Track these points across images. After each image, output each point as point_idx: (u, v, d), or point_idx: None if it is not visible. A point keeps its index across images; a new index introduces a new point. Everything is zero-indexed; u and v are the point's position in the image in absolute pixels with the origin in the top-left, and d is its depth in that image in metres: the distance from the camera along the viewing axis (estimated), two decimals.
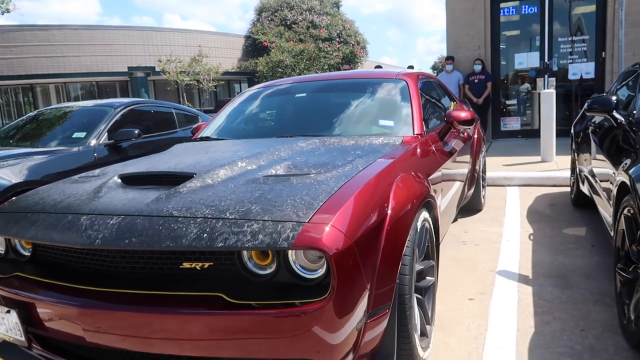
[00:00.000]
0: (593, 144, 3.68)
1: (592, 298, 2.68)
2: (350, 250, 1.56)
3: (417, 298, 2.13)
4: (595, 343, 2.22)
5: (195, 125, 4.18)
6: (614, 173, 2.68)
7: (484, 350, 2.22)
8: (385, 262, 1.75)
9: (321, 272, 1.59)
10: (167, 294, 1.65)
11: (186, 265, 1.68)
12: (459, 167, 3.55)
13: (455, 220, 4.33)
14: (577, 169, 4.48)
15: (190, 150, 2.79)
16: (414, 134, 2.83)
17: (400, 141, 2.64)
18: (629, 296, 2.24)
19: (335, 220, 1.59)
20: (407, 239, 1.92)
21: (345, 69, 13.74)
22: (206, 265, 1.67)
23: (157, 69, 19.92)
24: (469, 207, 4.55)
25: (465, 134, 3.96)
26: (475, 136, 4.45)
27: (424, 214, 2.22)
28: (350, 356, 1.65)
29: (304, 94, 3.45)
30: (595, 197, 3.58)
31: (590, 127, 3.94)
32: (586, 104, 3.31)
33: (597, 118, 3.82)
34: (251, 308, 1.54)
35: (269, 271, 1.64)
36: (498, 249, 3.59)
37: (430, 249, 2.36)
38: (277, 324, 1.53)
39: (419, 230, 2.09)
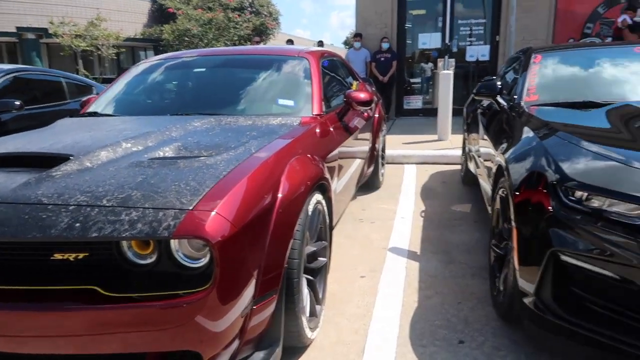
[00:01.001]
0: (480, 125, 3.95)
1: (471, 272, 2.91)
2: (235, 238, 1.54)
3: (307, 279, 2.17)
4: (470, 314, 2.42)
5: (85, 98, 3.88)
6: (494, 155, 2.90)
7: (369, 327, 2.33)
8: (274, 247, 1.76)
9: (205, 260, 1.55)
10: (37, 289, 1.53)
11: (58, 256, 1.57)
12: (358, 146, 3.64)
13: (354, 198, 4.46)
14: (467, 148, 4.79)
15: (73, 127, 2.58)
16: (312, 114, 2.83)
17: (299, 122, 2.63)
18: (499, 270, 2.46)
19: (221, 207, 1.55)
20: (298, 222, 1.94)
21: (256, 42, 13.43)
22: (80, 256, 1.56)
23: (49, 32, 18.13)
24: (368, 185, 4.70)
25: (366, 114, 4.05)
26: (376, 116, 4.58)
27: (317, 197, 2.25)
28: (236, 342, 1.65)
29: (202, 69, 3.31)
30: (479, 175, 3.86)
31: (479, 109, 4.22)
32: (475, 88, 3.54)
33: (485, 101, 4.09)
34: (131, 300, 1.48)
35: (149, 261, 1.58)
36: (392, 226, 3.76)
37: (324, 230, 2.40)
38: (159, 315, 1.48)
39: (310, 213, 2.12)
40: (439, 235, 3.52)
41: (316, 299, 2.25)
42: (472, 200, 4.39)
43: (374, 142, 4.36)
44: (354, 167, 3.50)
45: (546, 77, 3.26)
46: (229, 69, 3.26)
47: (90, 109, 3.15)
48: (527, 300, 1.96)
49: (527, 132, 2.56)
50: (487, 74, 9.04)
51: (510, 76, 4.39)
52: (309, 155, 2.31)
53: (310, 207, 2.13)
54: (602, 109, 2.76)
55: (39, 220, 1.50)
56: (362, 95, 3.16)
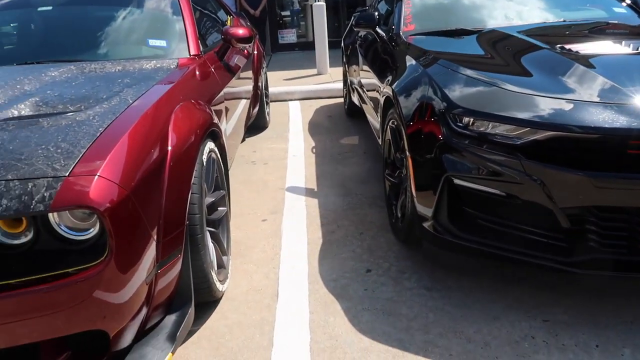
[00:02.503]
0: (360, 57, 3.96)
1: (367, 202, 3.00)
2: (126, 202, 1.37)
3: (210, 232, 2.06)
4: (372, 243, 2.50)
5: None
6: (379, 87, 2.92)
7: (279, 269, 2.31)
8: (171, 205, 1.61)
9: (94, 231, 1.36)
10: None
11: None
12: (242, 86, 3.46)
13: (243, 140, 4.31)
14: (349, 80, 4.82)
15: None
16: (190, 55, 2.58)
17: (176, 64, 2.38)
18: (395, 198, 2.55)
19: (104, 169, 1.35)
20: (193, 175, 1.79)
21: None
22: None
23: None
24: (255, 125, 4.57)
25: (245, 51, 3.83)
26: (255, 52, 4.38)
27: (209, 145, 2.09)
28: (144, 311, 1.52)
29: (49, 7, 2.83)
30: (364, 107, 3.92)
31: (358, 41, 4.21)
32: (353, 19, 3.49)
33: (363, 32, 4.08)
34: (9, 288, 1.26)
35: (25, 240, 1.35)
36: (285, 165, 3.72)
37: (220, 179, 2.27)
38: (48, 299, 1.29)
39: (205, 163, 1.97)
40: (333, 170, 3.56)
41: (222, 250, 2.15)
42: (359, 132, 4.49)
43: (256, 80, 4.19)
44: (241, 109, 3.33)
45: (420, 6, 3.31)
46: (84, 5, 2.82)
47: None
48: (426, 224, 2.06)
49: (410, 62, 2.60)
50: (357, 5, 9.08)
51: (382, 6, 4.41)
52: (194, 101, 2.12)
53: (205, 157, 1.97)
54: (472, 36, 2.88)
55: None
56: (241, 32, 2.95)
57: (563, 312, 1.89)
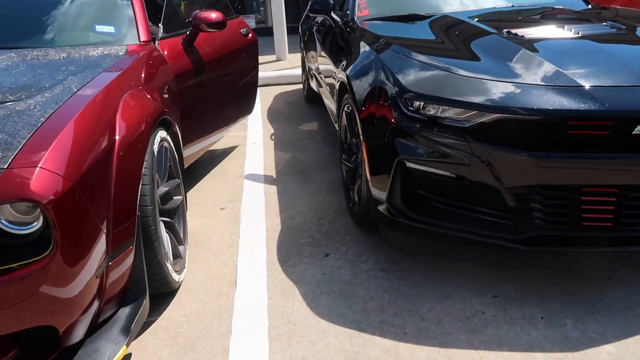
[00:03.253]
0: (317, 43, 3.95)
1: (326, 187, 3.02)
2: (71, 194, 1.33)
3: (165, 222, 2.03)
4: (330, 228, 2.53)
5: None
6: (335, 72, 2.93)
7: (237, 257, 2.31)
8: (121, 196, 1.58)
9: (38, 224, 1.33)
10: None
11: None
12: (217, 74, 3.29)
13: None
14: (307, 67, 4.81)
15: None
16: (140, 41, 2.51)
17: (125, 51, 2.32)
18: (352, 182, 2.58)
19: (46, 160, 1.31)
20: (144, 165, 1.76)
21: None
22: None
23: None
24: None
25: (243, 37, 3.60)
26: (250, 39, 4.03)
27: (161, 133, 2.05)
28: (95, 304, 1.49)
29: None
30: (322, 93, 3.92)
31: (315, 27, 4.20)
32: (309, 5, 3.48)
33: (319, 18, 4.07)
34: None
35: None
36: (244, 153, 3.69)
37: (174, 167, 2.24)
38: None
39: (156, 152, 1.93)
40: (292, 156, 3.56)
41: (177, 240, 2.13)
42: (318, 118, 4.49)
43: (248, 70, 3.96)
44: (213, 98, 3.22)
45: None
46: None
47: None
48: (381, 208, 2.09)
49: (364, 47, 2.61)
50: None
51: None
52: (144, 89, 2.07)
53: (156, 146, 1.94)
54: (425, 21, 2.92)
55: None
56: (214, 16, 2.76)
57: (511, 288, 1.97)
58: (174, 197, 2.19)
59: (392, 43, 2.45)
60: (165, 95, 2.32)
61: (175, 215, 2.17)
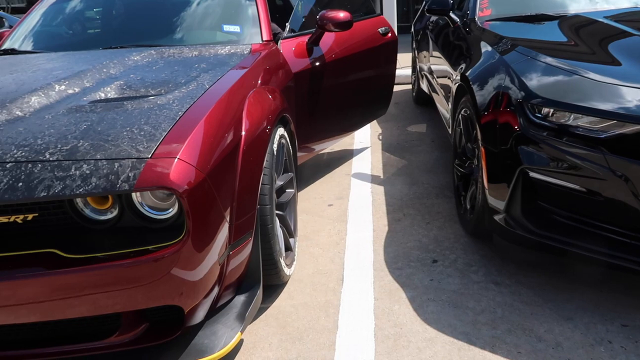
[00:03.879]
0: (432, 43, 3.85)
1: (435, 191, 2.95)
2: (203, 185, 1.42)
3: (278, 215, 2.10)
4: (439, 233, 2.46)
5: None
6: (452, 74, 2.84)
7: (344, 254, 2.33)
8: (244, 189, 1.66)
9: (173, 211, 1.43)
10: None
11: (2, 219, 1.39)
12: (341, 76, 3.17)
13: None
14: (418, 67, 4.72)
15: None
16: (262, 40, 2.62)
17: (249, 50, 2.43)
18: (464, 189, 2.49)
19: (184, 152, 1.41)
20: (265, 159, 1.83)
21: None
22: (29, 217, 1.40)
23: None
24: None
25: (380, 38, 3.46)
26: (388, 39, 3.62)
27: (280, 130, 2.13)
28: (216, 290, 1.58)
29: None
30: (433, 95, 3.82)
31: (430, 26, 4.10)
32: (424, 4, 3.39)
33: (434, 17, 3.97)
34: (96, 261, 1.36)
35: (110, 216, 1.44)
36: (352, 152, 3.72)
37: (289, 162, 2.31)
38: (130, 273, 1.37)
39: (276, 149, 2.01)
40: (400, 158, 3.52)
41: (289, 232, 2.20)
42: (427, 120, 4.40)
43: (381, 72, 3.71)
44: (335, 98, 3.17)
45: None
46: None
47: (5, 46, 2.77)
48: (497, 217, 1.99)
49: (486, 48, 2.49)
50: None
51: None
52: (266, 87, 2.15)
53: (275, 143, 2.01)
54: (554, 21, 2.72)
55: None
56: (342, 15, 2.68)
57: None
58: (286, 190, 2.26)
59: (517, 44, 2.32)
60: (284, 94, 2.40)
61: (287, 208, 2.25)
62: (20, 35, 2.83)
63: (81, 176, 1.32)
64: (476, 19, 2.95)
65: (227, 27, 2.68)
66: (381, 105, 3.62)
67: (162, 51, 2.36)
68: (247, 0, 2.83)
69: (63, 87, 1.81)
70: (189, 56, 2.29)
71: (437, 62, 3.59)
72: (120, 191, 1.31)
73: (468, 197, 2.39)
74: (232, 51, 2.39)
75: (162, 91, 1.80)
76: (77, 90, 1.82)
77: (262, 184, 1.80)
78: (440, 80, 3.41)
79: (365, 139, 3.98)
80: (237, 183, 1.63)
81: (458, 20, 3.16)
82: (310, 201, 2.93)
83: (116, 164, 1.35)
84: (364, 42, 3.26)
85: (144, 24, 2.76)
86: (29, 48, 2.69)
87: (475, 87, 2.26)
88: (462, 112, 2.48)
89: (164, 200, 1.44)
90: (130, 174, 1.33)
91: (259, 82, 2.14)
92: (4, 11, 14.72)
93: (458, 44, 2.94)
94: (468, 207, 2.39)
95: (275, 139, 2.01)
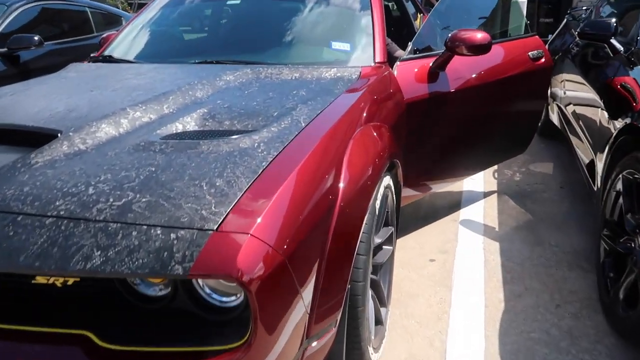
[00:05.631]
0: (575, 70, 3.21)
1: (566, 259, 2.37)
2: (280, 270, 1.06)
3: (371, 280, 1.70)
4: (574, 325, 1.91)
5: (105, 34, 3.37)
6: (609, 114, 2.24)
7: (447, 336, 1.87)
8: (333, 266, 1.28)
9: (240, 298, 1.09)
10: (12, 329, 1.12)
11: (40, 280, 1.14)
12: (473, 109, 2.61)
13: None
14: (549, 92, 4.05)
15: (75, 81, 2.08)
16: (375, 62, 2.22)
17: (358, 74, 2.04)
18: (616, 270, 1.91)
19: (260, 225, 1.06)
20: (364, 222, 1.44)
21: None
22: (70, 281, 1.13)
23: None
24: None
25: (528, 63, 2.75)
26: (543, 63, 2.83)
27: (386, 180, 1.72)
28: None
29: (238, 1, 2.71)
30: (570, 135, 3.19)
31: (574, 49, 3.45)
32: (567, 21, 2.76)
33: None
34: (134, 356, 1.05)
35: (162, 293, 1.13)
36: (461, 190, 3.20)
37: (390, 214, 1.90)
38: None
39: (379, 205, 1.60)
40: (519, 206, 2.95)
41: (380, 301, 1.79)
42: (554, 158, 3.74)
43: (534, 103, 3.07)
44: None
45: None
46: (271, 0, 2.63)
47: (106, 52, 2.63)
48: None
49: None
50: (560, 8, 7.91)
51: (607, 9, 3.56)
52: (376, 125, 1.76)
53: (380, 197, 1.61)
54: None
55: (3, 239, 1.05)
56: (479, 36, 2.16)
57: None
58: (383, 247, 1.85)
59: None
60: (395, 131, 1.98)
61: (381, 270, 1.84)
62: (120, 41, 2.66)
63: (127, 247, 1.01)
64: None
65: (335, 45, 2.31)
66: (519, 144, 3.03)
67: (259, 71, 2.04)
68: (362, 11, 2.44)
69: (139, 113, 1.54)
70: (288, 79, 1.95)
71: (580, 95, 2.96)
72: (171, 275, 0.98)
73: (623, 285, 1.82)
74: (338, 74, 2.01)
75: (249, 126, 1.48)
76: (152, 118, 1.54)
77: (357, 253, 1.41)
78: (587, 118, 2.80)
79: (478, 177, 3.43)
80: (326, 259, 1.25)
81: (622, 49, 2.52)
82: (408, 251, 2.49)
83: (172, 236, 1.02)
84: (507, 67, 2.67)
85: (244, 36, 2.47)
86: (126, 56, 2.50)
87: None
88: (626, 173, 1.90)
89: (228, 287, 1.10)
90: (187, 253, 0.99)
91: (366, 117, 1.74)
92: (131, 7, 15.69)
93: (621, 81, 2.32)
94: (620, 297, 1.82)
95: (379, 193, 1.61)
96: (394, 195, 1.91)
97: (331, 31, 2.39)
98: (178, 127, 1.48)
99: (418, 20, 3.57)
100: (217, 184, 1.15)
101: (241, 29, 2.55)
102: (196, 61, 2.26)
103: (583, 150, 2.75)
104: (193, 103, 1.67)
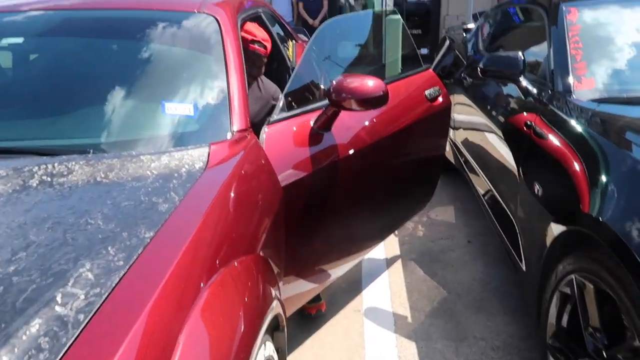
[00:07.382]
0: (472, 110, 2.81)
1: (498, 356, 1.88)
2: None
3: None
4: None
5: None
6: (533, 196, 1.76)
7: None
8: None
9: None
10: None
11: None
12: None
13: None
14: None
15: None
16: (232, 132, 1.50)
17: (204, 160, 1.31)
18: None
19: None
20: None
21: None
22: None
23: None
24: None
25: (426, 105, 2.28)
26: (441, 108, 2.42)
27: (267, 349, 1.04)
28: None
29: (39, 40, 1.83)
30: (470, 175, 2.79)
31: (466, 80, 3.05)
32: (480, 63, 2.27)
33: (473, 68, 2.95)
34: None
35: None
36: (360, 264, 2.62)
37: None
38: None
39: None
40: (430, 277, 2.44)
41: None
42: (452, 197, 3.34)
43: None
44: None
45: (598, 47, 2.07)
46: (72, 39, 1.79)
47: None
48: None
49: (629, 159, 1.43)
50: (429, 20, 7.91)
51: (486, 29, 3.27)
52: (242, 258, 1.06)
53: None
54: None
55: None
56: (371, 85, 1.59)
57: None
58: None
59: None
60: (272, 254, 1.30)
61: None
62: None
63: None
64: (573, 97, 1.88)
65: (171, 108, 1.54)
66: (424, 196, 2.53)
67: (51, 168, 1.22)
68: (210, 51, 1.73)
69: None
70: (91, 182, 1.17)
71: (482, 144, 2.55)
72: None
73: None
74: (175, 165, 1.27)
75: (17, 303, 0.72)
76: None
77: None
78: (491, 176, 2.39)
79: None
80: None
81: (534, 91, 2.08)
82: None
83: None
84: (403, 115, 2.12)
85: (38, 108, 1.58)
86: None
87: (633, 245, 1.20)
88: (580, 276, 1.42)
89: None
90: None
91: (230, 244, 1.05)
92: None
93: (537, 143, 1.81)
94: None
95: None
96: None
97: (166, 90, 1.62)
98: None
99: (290, 49, 2.92)
100: None
101: (35, 92, 1.66)
102: None
103: (482, 188, 2.33)
104: None
